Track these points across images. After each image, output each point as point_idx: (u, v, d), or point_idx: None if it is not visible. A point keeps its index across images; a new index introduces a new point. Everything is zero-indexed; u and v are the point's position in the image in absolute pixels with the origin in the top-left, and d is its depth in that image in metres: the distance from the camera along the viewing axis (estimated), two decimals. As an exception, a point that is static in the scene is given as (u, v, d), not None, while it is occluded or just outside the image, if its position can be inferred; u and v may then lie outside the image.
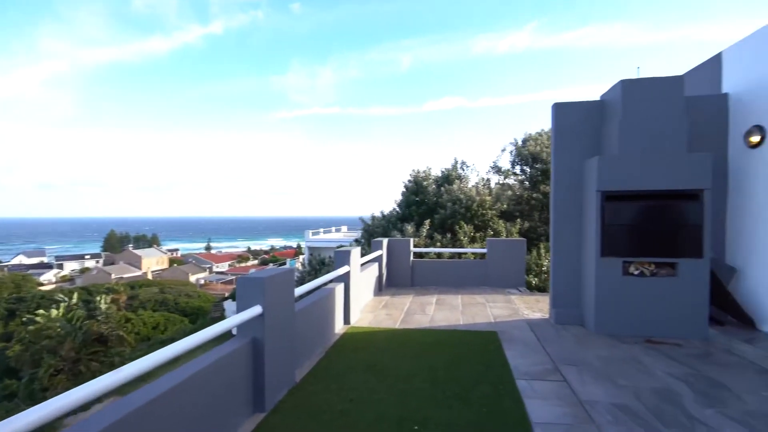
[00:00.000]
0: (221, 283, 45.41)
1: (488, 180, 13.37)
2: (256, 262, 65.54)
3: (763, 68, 4.12)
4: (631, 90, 4.30)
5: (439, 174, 13.37)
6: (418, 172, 13.20)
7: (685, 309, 4.20)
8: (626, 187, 4.23)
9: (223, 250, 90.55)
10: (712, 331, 4.21)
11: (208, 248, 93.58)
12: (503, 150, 13.20)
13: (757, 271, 4.18)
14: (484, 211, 11.26)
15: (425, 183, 12.74)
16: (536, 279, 9.23)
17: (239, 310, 2.68)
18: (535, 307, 5.77)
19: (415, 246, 8.35)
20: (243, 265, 61.80)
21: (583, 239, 4.67)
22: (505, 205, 11.79)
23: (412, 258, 7.65)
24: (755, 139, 4.11)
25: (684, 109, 4.27)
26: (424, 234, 10.77)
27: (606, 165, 4.29)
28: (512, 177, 12.98)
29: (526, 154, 12.33)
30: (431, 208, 11.95)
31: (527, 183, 12.45)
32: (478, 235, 10.79)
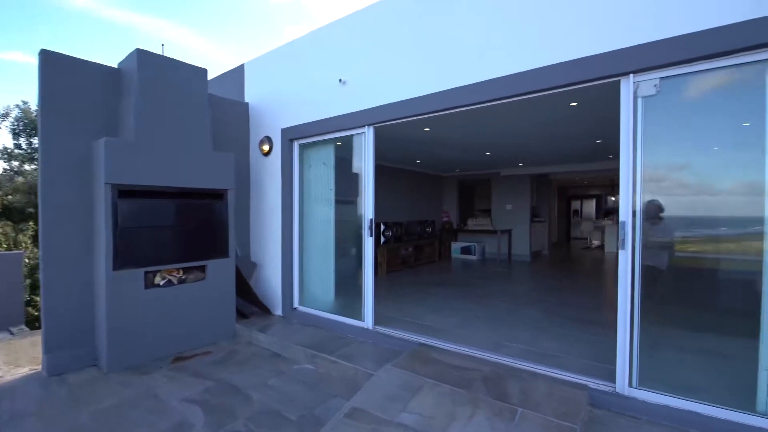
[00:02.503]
0: None
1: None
2: None
3: (271, 85, 4.76)
4: (149, 64, 3.58)
5: None
6: None
7: (215, 311, 4.06)
8: (145, 182, 3.45)
9: None
10: (239, 326, 4.36)
11: None
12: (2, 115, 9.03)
13: (269, 264, 4.79)
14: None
15: None
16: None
17: None
18: (24, 358, 3.78)
19: None
20: None
21: (94, 247, 3.43)
22: (12, 197, 8.01)
23: None
24: (265, 148, 4.66)
25: (208, 104, 4.14)
26: None
27: (118, 151, 3.30)
28: (20, 158, 9.16)
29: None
30: None
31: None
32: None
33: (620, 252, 2.53)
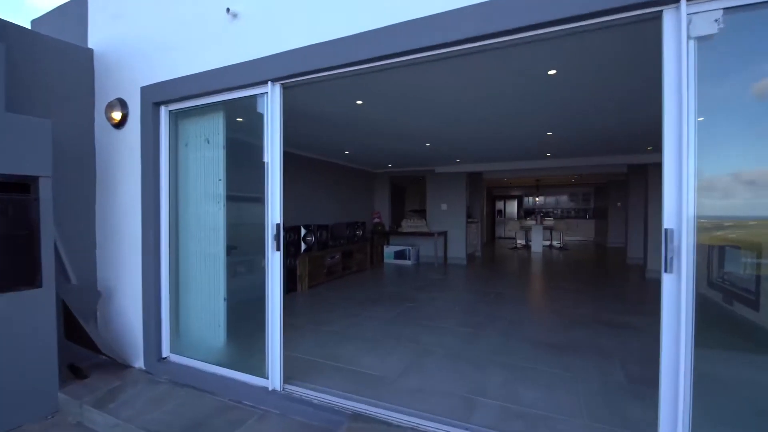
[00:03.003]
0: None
1: None
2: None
3: (127, 24, 3.16)
4: None
5: None
6: None
7: (18, 373, 2.41)
8: None
9: None
10: (64, 395, 2.72)
11: None
12: None
13: (124, 292, 3.19)
14: None
15: None
16: None
17: None
18: None
19: None
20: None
21: None
22: None
23: None
24: (116, 116, 3.07)
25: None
26: None
27: None
28: None
29: None
30: None
31: None
32: None
33: (664, 276, 1.65)
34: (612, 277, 7.22)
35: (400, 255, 8.93)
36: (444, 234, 8.84)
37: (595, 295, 5.63)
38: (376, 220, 9.62)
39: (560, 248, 12.82)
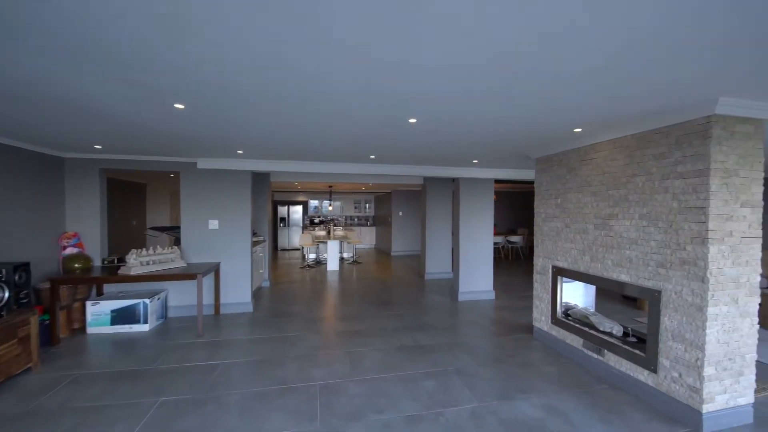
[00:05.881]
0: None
1: None
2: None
3: None
4: None
5: None
6: None
7: None
8: None
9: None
10: None
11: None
12: None
13: None
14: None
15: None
16: None
17: None
18: None
19: None
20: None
21: None
22: None
23: None
24: None
25: None
26: None
27: None
28: None
29: None
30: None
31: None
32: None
33: None
34: (433, 298, 6.02)
35: (125, 317, 4.83)
36: (215, 268, 5.42)
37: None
38: (71, 250, 5.02)
39: (354, 261, 11.57)
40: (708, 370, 2.74)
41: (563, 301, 4.35)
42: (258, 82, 2.30)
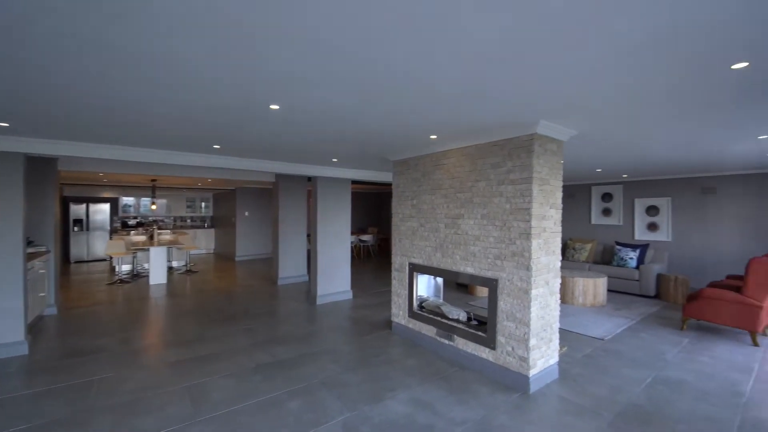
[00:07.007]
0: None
1: None
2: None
3: None
4: None
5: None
6: None
7: None
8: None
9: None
10: None
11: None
12: None
13: None
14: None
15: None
16: None
17: None
18: None
19: None
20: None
21: None
22: None
23: None
24: None
25: None
26: None
27: None
28: None
29: None
30: None
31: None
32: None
33: None
34: (289, 305, 5.59)
35: None
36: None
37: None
38: None
39: (187, 271, 9.80)
40: (532, 341, 3.34)
41: (418, 294, 4.66)
42: None
